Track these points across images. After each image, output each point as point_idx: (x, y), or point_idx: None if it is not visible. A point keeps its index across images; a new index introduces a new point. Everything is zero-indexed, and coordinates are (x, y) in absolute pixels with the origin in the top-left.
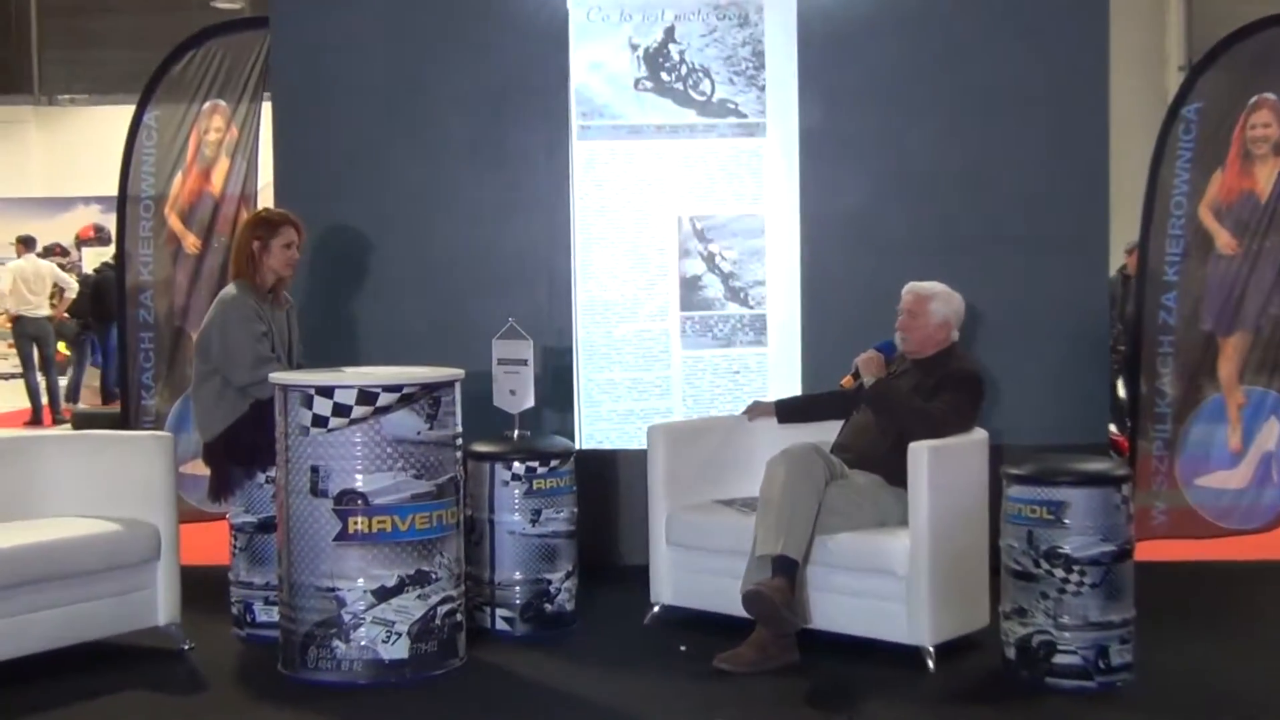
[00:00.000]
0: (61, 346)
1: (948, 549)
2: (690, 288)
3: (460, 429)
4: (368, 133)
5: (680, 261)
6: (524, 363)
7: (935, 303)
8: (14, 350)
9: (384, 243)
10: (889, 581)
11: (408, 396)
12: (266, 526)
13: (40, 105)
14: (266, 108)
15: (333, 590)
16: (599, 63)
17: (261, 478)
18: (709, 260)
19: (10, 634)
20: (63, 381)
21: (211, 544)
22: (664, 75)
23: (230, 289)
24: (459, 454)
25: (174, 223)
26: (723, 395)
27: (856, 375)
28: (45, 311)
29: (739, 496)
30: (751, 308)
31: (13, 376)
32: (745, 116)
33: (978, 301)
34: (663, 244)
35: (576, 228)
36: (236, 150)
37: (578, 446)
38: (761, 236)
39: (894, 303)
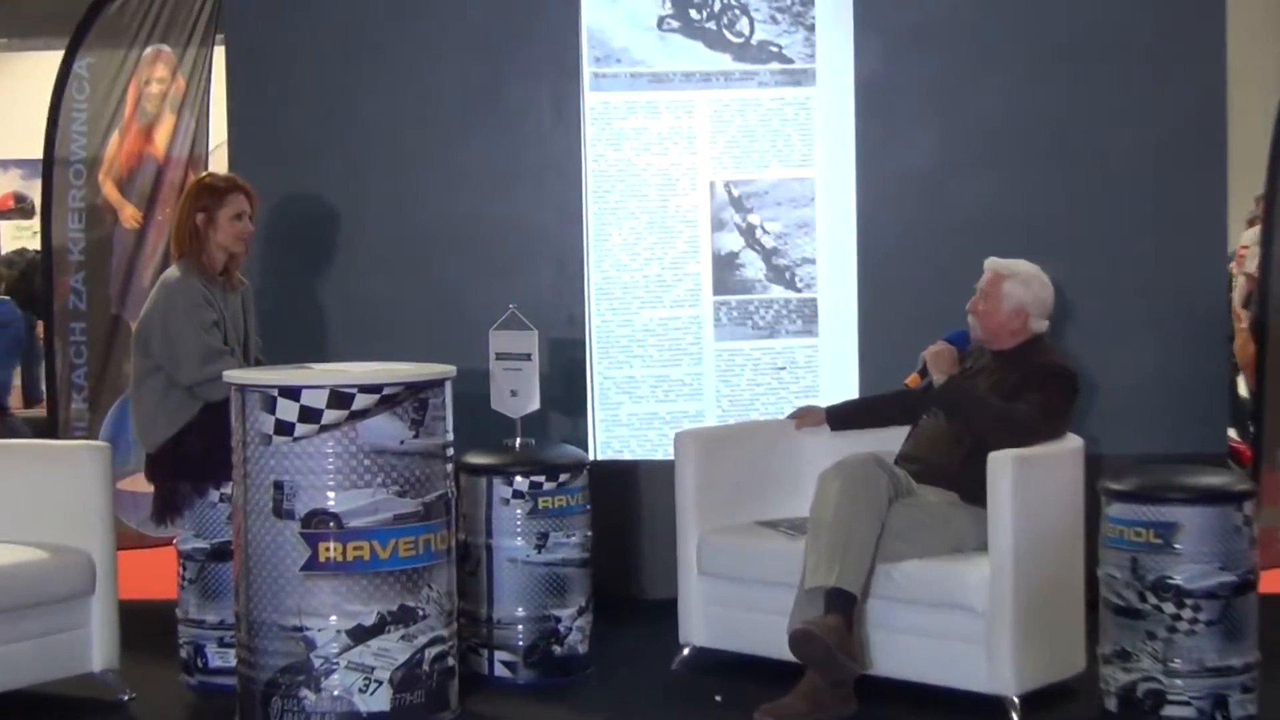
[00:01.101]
0: None
1: (1035, 579)
2: (726, 267)
3: (451, 437)
4: (340, 84)
5: (714, 235)
6: (527, 357)
7: (1011, 284)
8: None
9: (359, 214)
10: (965, 618)
11: (389, 398)
12: (220, 554)
13: None
14: (219, 54)
15: (300, 630)
16: None
17: (215, 495)
18: (748, 234)
19: None
20: None
21: (156, 575)
22: (693, 13)
23: (173, 271)
24: (450, 467)
25: (109, 191)
26: (764, 396)
27: (924, 372)
28: None
29: (785, 517)
30: (799, 291)
31: None
32: (790, 62)
33: (1069, 286)
34: (693, 215)
35: (589, 196)
36: (184, 105)
37: (592, 457)
38: (811, 205)
39: (968, 285)
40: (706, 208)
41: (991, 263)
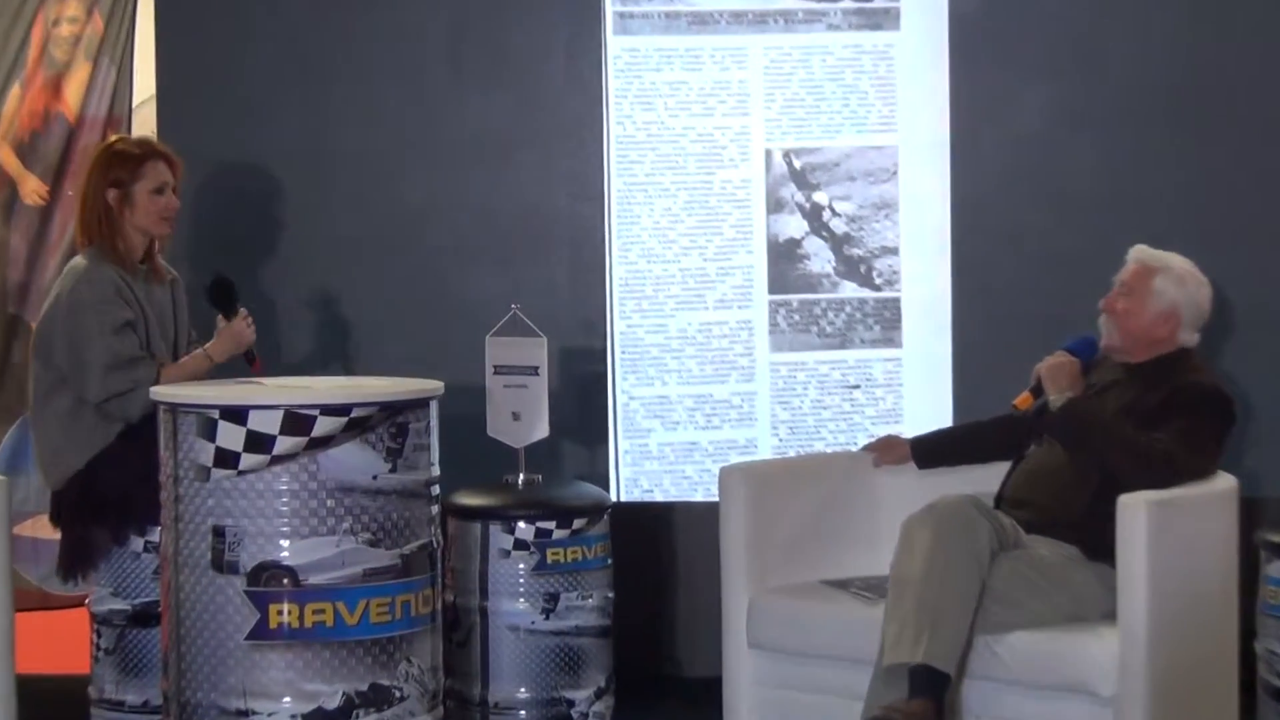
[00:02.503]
0: None
1: (1176, 655)
2: (785, 258)
3: (437, 471)
4: (299, 28)
5: (770, 219)
6: (534, 371)
7: (1163, 280)
8: None
9: (323, 190)
10: (1088, 704)
11: (359, 422)
12: (144, 617)
13: None
14: None
15: (246, 715)
16: None
17: (138, 544)
18: (814, 216)
19: None
20: None
21: (63, 643)
22: None
23: (79, 260)
24: (436, 509)
25: (6, 158)
26: (833, 422)
27: (1038, 390)
28: None
29: (858, 575)
30: (878, 289)
31: None
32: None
33: (1221, 287)
34: (743, 192)
35: (612, 169)
36: (101, 52)
37: (614, 498)
38: (893, 181)
39: (1093, 280)
40: (761, 184)
41: (1139, 252)
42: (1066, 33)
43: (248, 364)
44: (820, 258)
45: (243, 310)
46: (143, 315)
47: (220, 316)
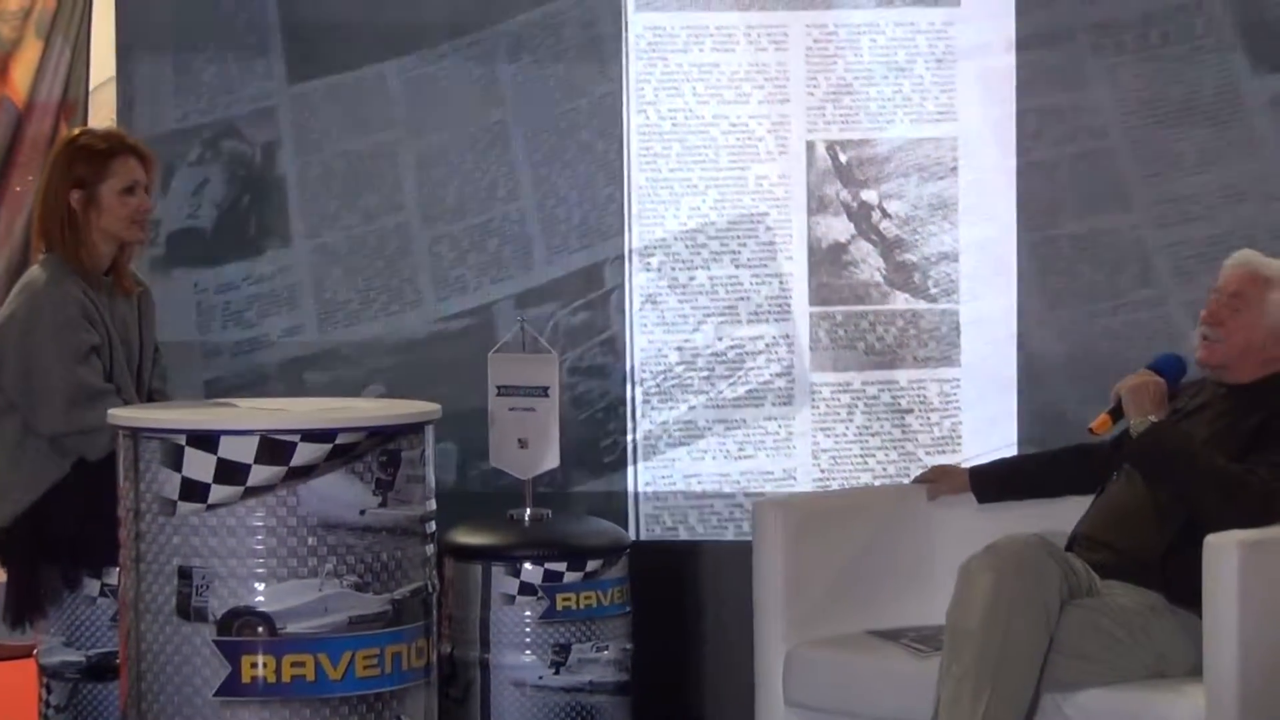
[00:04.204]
0: None
1: (1271, 716)
2: (829, 265)
3: (434, 506)
4: None
5: (812, 220)
6: (543, 393)
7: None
8: None
9: (300, 183)
10: None
11: (345, 450)
12: (101, 670)
13: None
14: None
15: None
16: None
17: (93, 587)
18: (861, 217)
19: None
20: None
21: (9, 699)
22: None
23: (38, 272)
24: (432, 549)
25: None
26: (882, 450)
27: (1117, 413)
28: None
29: (910, 625)
30: (934, 300)
31: None
32: None
33: None
34: (781, 190)
35: (632, 162)
36: (54, 29)
37: (633, 536)
38: (952, 177)
39: (1185, 290)
40: (802, 180)
41: (1245, 259)
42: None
43: None
44: (868, 264)
45: None
46: (108, 337)
47: None
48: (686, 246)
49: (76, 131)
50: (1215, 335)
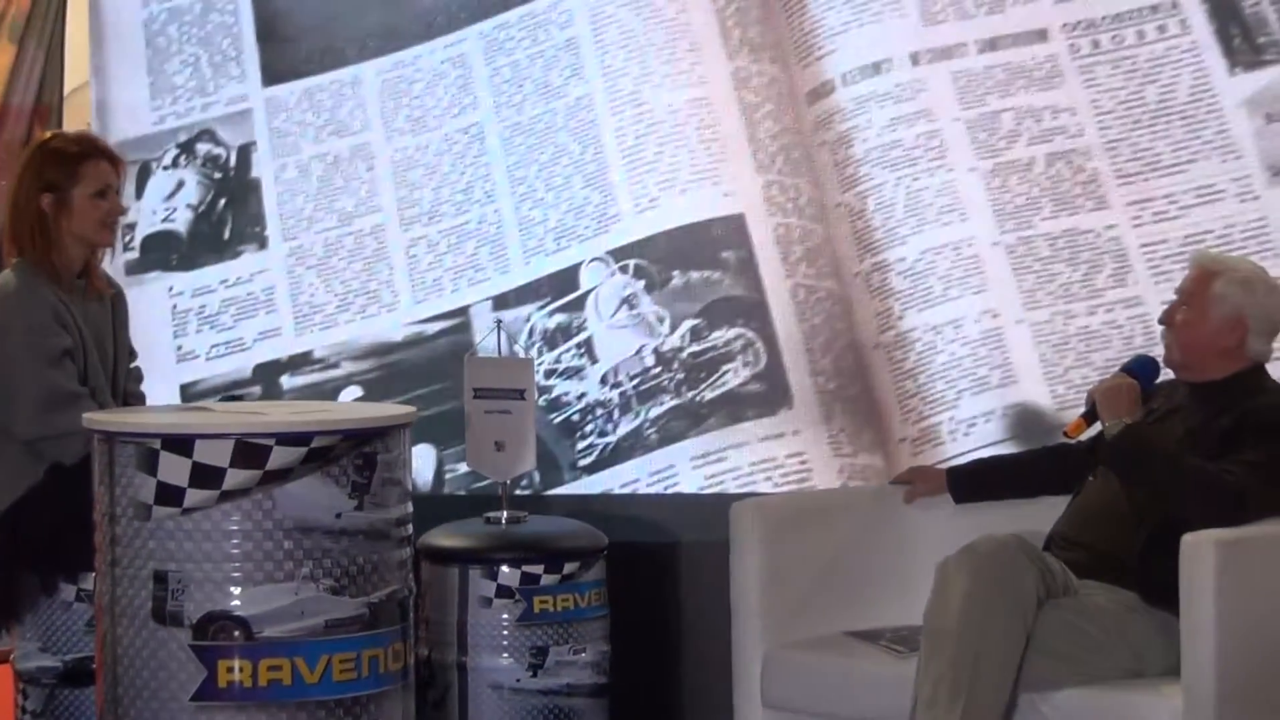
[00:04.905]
0: None
1: (1249, 715)
2: (806, 266)
3: (410, 509)
4: None
5: (787, 222)
6: (519, 395)
7: (1226, 284)
8: None
9: (277, 184)
10: None
11: (321, 453)
12: (77, 675)
13: None
14: None
15: None
16: None
17: (69, 592)
18: (839, 218)
19: None
20: None
21: None
22: None
23: (9, 277)
24: (408, 552)
25: None
26: (861, 452)
27: (1091, 416)
28: None
29: (887, 626)
30: (912, 301)
31: None
32: None
33: None
34: (758, 190)
35: (609, 164)
36: (27, 33)
37: (610, 538)
38: (928, 176)
39: (1155, 294)
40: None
41: (1198, 258)
42: None
43: None
44: (845, 265)
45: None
46: (81, 339)
47: None
48: (663, 248)
49: (48, 135)
50: (1168, 335)
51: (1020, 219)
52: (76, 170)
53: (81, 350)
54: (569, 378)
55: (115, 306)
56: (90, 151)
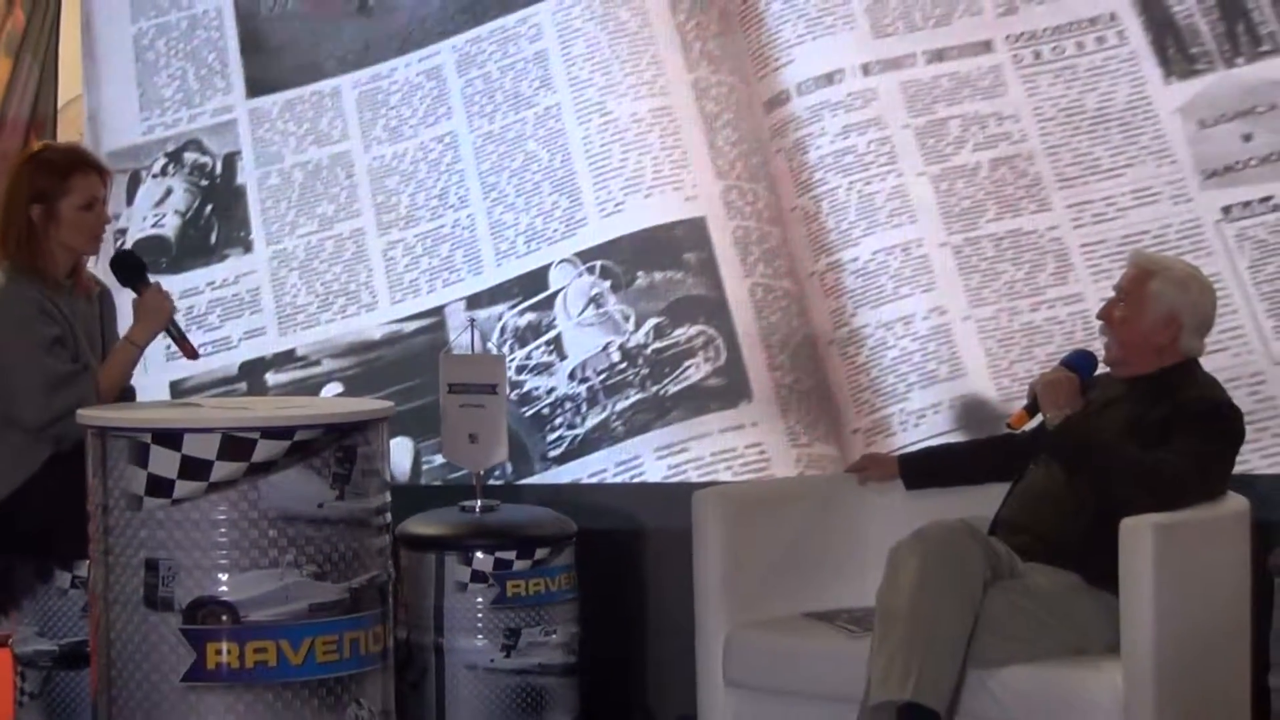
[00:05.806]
0: None
1: (1184, 688)
2: (763, 267)
3: (389, 499)
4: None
5: (746, 224)
6: (492, 390)
7: (1161, 283)
8: None
9: (261, 191)
10: None
11: (303, 446)
12: (72, 658)
13: None
14: None
15: None
16: None
17: (65, 579)
18: (796, 220)
19: None
20: None
21: None
22: None
23: None
24: (387, 540)
25: None
26: (818, 442)
27: (1033, 408)
28: None
29: (843, 607)
30: (864, 298)
31: None
32: None
33: None
34: (717, 194)
35: (576, 170)
36: (23, 48)
37: (579, 525)
38: (879, 181)
39: (1094, 291)
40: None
41: (1135, 258)
42: None
43: (183, 352)
44: (801, 265)
45: (155, 281)
46: (70, 330)
47: (134, 296)
48: (628, 250)
49: (38, 146)
50: (1106, 332)
51: (966, 221)
52: (66, 182)
53: (72, 340)
54: (539, 373)
55: (102, 303)
56: (79, 164)
